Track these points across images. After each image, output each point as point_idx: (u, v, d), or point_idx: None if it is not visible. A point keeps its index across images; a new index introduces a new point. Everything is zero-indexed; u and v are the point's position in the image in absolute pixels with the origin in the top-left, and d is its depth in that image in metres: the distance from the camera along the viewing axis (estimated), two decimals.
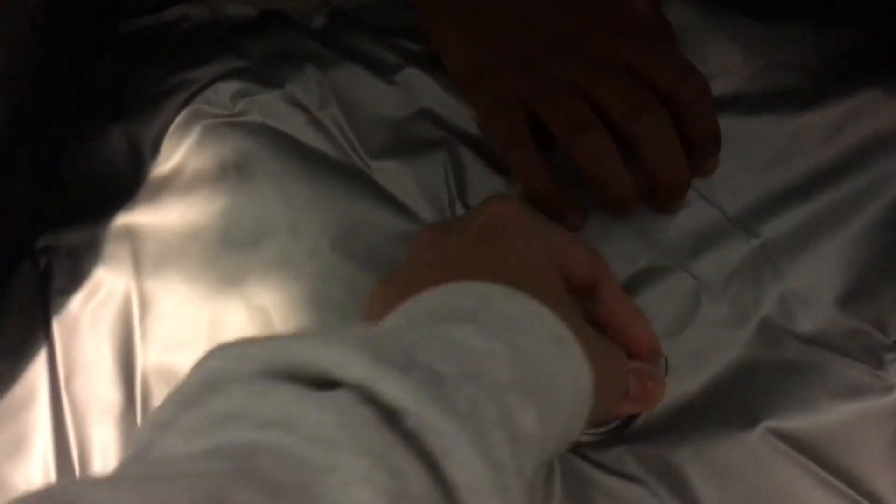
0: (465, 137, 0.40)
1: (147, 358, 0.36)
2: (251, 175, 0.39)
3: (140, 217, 0.39)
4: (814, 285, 0.35)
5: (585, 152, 0.35)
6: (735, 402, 0.34)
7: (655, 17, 0.39)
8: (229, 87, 0.40)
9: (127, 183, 0.39)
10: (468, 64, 0.39)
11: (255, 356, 0.22)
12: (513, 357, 0.24)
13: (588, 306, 0.33)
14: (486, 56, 0.38)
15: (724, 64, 0.39)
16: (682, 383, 0.34)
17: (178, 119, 0.40)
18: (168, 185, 0.39)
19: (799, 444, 0.32)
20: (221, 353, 0.22)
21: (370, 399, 0.20)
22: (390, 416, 0.20)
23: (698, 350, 0.35)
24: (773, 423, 0.33)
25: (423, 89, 0.40)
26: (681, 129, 0.35)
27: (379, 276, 0.36)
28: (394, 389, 0.20)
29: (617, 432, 0.34)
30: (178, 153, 0.39)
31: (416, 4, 0.40)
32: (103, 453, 0.35)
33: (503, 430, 0.22)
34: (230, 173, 0.39)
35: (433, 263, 0.31)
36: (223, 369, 0.22)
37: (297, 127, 0.40)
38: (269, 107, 0.40)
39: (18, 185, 0.36)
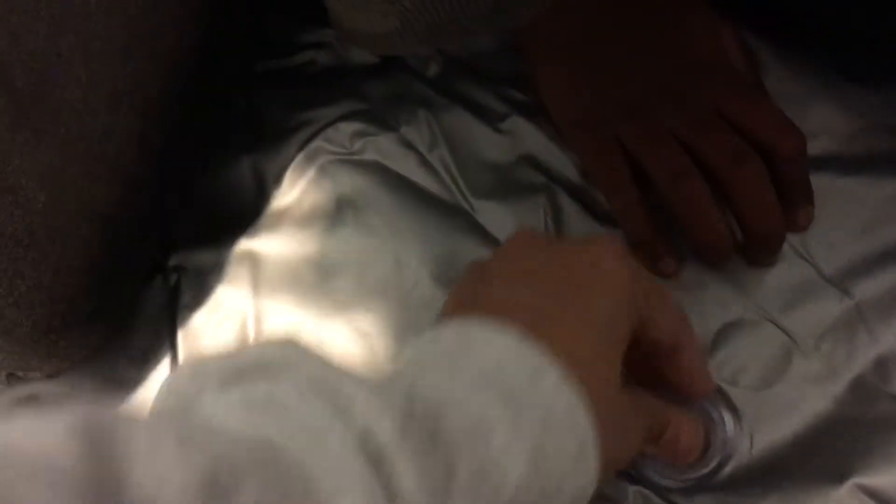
0: (565, 184, 0.41)
1: None
2: (364, 209, 0.42)
3: (261, 243, 0.42)
4: None
5: (683, 199, 0.36)
6: (824, 457, 0.34)
7: (753, 76, 0.40)
8: (349, 127, 0.43)
9: (251, 211, 0.42)
10: (572, 110, 0.41)
11: (306, 369, 0.23)
12: (531, 462, 0.24)
13: (660, 365, 0.32)
14: (589, 103, 0.40)
15: (825, 124, 0.40)
16: (771, 436, 0.35)
17: (300, 155, 0.43)
18: (287, 215, 0.42)
19: (888, 502, 0.32)
20: (282, 344, 0.24)
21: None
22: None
23: (788, 404, 0.35)
24: (861, 479, 0.33)
25: (527, 136, 0.43)
26: (775, 183, 0.36)
27: None
28: (402, 478, 0.21)
29: (703, 481, 0.35)
30: (298, 186, 0.43)
31: (524, 56, 0.43)
32: None
33: None
34: (344, 207, 0.42)
35: (513, 280, 0.30)
36: (279, 358, 0.23)
37: (409, 167, 0.43)
38: (384, 147, 0.43)
39: (161, 204, 0.39)
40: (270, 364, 0.23)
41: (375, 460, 0.21)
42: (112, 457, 0.17)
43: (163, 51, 0.36)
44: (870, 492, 0.33)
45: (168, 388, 0.24)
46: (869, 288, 0.37)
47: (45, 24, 0.33)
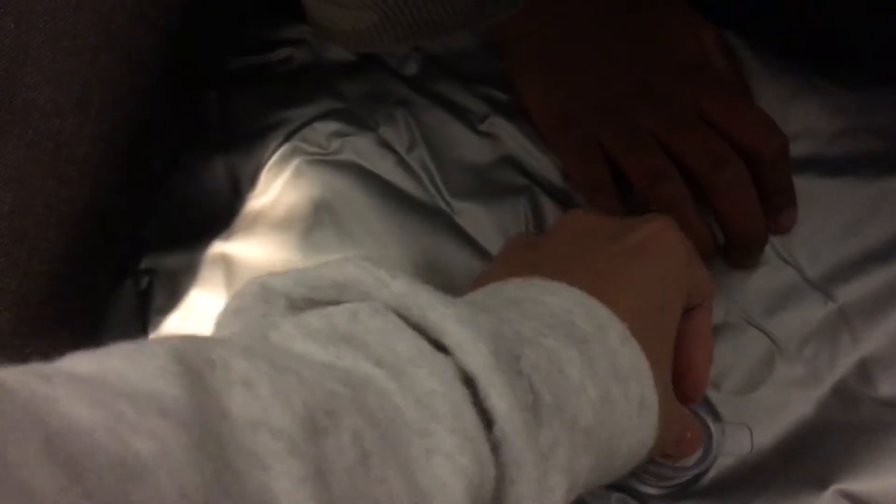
0: (546, 185, 0.41)
1: None
2: (340, 210, 0.41)
3: (235, 246, 0.41)
4: (893, 350, 0.35)
5: (662, 201, 0.36)
6: (807, 462, 0.34)
7: (735, 77, 0.40)
8: (326, 127, 0.42)
9: (225, 212, 0.42)
10: (552, 112, 0.40)
11: (391, 290, 0.22)
12: (600, 407, 0.24)
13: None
14: (570, 104, 0.39)
15: (807, 125, 0.39)
16: (754, 441, 0.34)
17: (276, 154, 0.42)
18: (263, 217, 0.41)
19: None
20: (361, 264, 0.23)
21: (474, 389, 0.21)
22: (484, 414, 0.21)
23: (771, 409, 0.35)
24: (844, 485, 0.33)
25: (508, 137, 0.42)
26: (758, 185, 0.36)
27: None
28: (499, 400, 0.21)
29: (687, 486, 0.34)
30: (274, 187, 0.42)
31: (503, 55, 0.42)
32: None
33: (564, 476, 0.23)
34: (321, 208, 0.41)
35: (571, 253, 0.30)
36: (359, 281, 0.22)
37: (386, 168, 0.42)
38: (362, 147, 0.42)
39: (131, 206, 0.38)
40: (348, 285, 0.23)
41: (470, 386, 0.21)
42: (213, 388, 0.17)
43: (133, 49, 0.35)
44: (853, 497, 0.32)
45: (236, 308, 0.23)
46: (852, 291, 0.37)
47: (11, 21, 0.32)
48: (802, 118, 0.40)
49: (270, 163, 0.42)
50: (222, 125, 0.43)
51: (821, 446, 0.34)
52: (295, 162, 0.42)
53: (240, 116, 0.43)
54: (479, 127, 0.43)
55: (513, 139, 0.42)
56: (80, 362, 0.17)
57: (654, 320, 0.28)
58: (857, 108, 0.40)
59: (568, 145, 0.40)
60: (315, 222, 0.41)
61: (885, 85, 0.40)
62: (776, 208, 0.37)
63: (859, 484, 0.32)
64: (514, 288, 0.27)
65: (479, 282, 0.31)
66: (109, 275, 0.40)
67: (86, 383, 0.16)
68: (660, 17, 0.40)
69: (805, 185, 0.38)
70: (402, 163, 0.42)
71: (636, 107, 0.38)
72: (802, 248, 0.38)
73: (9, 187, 0.32)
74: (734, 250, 0.37)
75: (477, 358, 0.21)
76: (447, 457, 0.20)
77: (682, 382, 0.32)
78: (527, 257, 0.31)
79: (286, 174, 0.42)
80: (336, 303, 0.23)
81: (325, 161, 0.42)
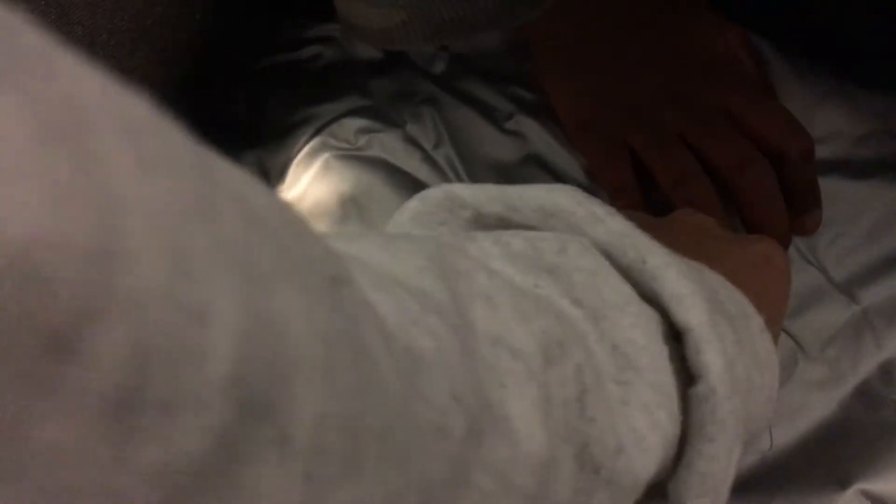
0: (571, 183, 0.41)
1: None
2: (367, 204, 0.42)
3: None
4: None
5: (690, 202, 0.36)
6: (828, 461, 0.34)
7: (761, 78, 0.40)
8: (354, 123, 0.43)
9: None
10: (579, 112, 0.40)
11: (607, 227, 0.21)
12: (747, 387, 0.24)
13: None
14: (596, 104, 0.40)
15: (832, 128, 0.40)
16: (776, 440, 0.35)
17: (304, 150, 0.43)
18: None
19: None
20: (575, 196, 0.22)
21: (679, 341, 0.21)
22: (689, 371, 0.21)
23: (793, 408, 0.35)
24: (865, 484, 0.33)
25: (533, 136, 0.42)
26: (783, 186, 0.36)
27: None
28: (715, 357, 0.21)
29: None
30: (302, 181, 0.42)
31: (531, 55, 0.43)
32: None
33: (741, 446, 0.23)
34: (348, 203, 0.42)
35: (699, 250, 0.28)
36: (570, 212, 0.22)
37: (413, 164, 0.42)
38: (389, 144, 0.43)
39: None
40: (556, 213, 0.22)
41: (673, 341, 0.21)
42: (462, 295, 0.17)
43: (169, 44, 0.36)
44: (874, 497, 0.33)
45: (415, 212, 0.22)
46: (876, 294, 0.37)
47: (53, 15, 0.33)
48: (828, 121, 0.40)
49: (299, 157, 0.43)
50: (252, 120, 0.44)
51: (842, 446, 0.34)
52: (323, 157, 0.42)
53: (269, 112, 0.44)
54: (505, 125, 0.43)
55: (538, 138, 0.42)
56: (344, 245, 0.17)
57: (772, 332, 0.28)
58: (883, 112, 0.40)
59: (594, 145, 0.40)
60: (342, 216, 0.41)
61: None
62: (801, 209, 0.37)
63: (881, 484, 0.33)
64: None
65: None
66: None
67: (367, 269, 0.16)
68: (686, 18, 0.40)
69: (830, 188, 0.38)
70: (429, 159, 0.42)
71: (663, 107, 0.38)
72: (827, 251, 0.38)
73: None
74: None
75: (696, 314, 0.21)
76: (645, 409, 0.19)
77: None
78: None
79: (314, 169, 0.42)
80: (534, 229, 0.22)
81: (352, 156, 0.43)
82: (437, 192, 0.23)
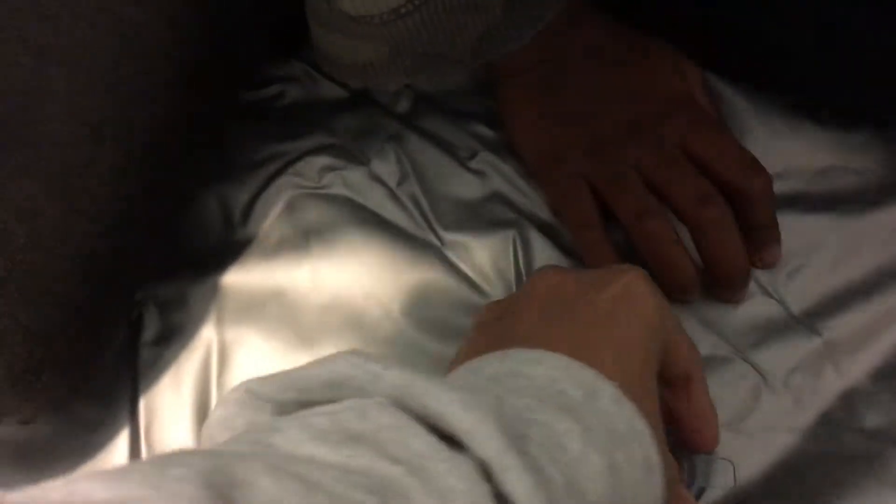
0: (535, 220, 0.42)
1: None
2: (332, 243, 0.41)
3: (226, 277, 0.41)
4: (877, 383, 0.36)
5: (648, 238, 0.36)
6: (794, 492, 0.34)
7: (718, 116, 0.41)
8: (318, 161, 0.43)
9: (217, 244, 0.42)
10: (541, 149, 0.41)
11: (388, 382, 0.21)
12: (607, 475, 0.23)
13: (667, 396, 0.32)
14: (558, 141, 0.40)
15: (789, 164, 0.41)
16: (741, 472, 0.35)
17: (269, 188, 0.42)
18: (254, 249, 0.42)
19: None
20: (352, 360, 0.22)
21: (489, 477, 0.21)
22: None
23: (758, 440, 0.36)
24: None
25: (497, 174, 0.43)
26: (742, 222, 0.36)
27: (444, 343, 0.38)
28: (517, 484, 0.20)
29: None
30: (266, 219, 0.42)
31: (495, 93, 0.43)
32: None
33: None
34: (312, 240, 0.41)
35: (544, 314, 0.29)
36: (351, 377, 0.22)
37: (377, 201, 0.42)
38: (353, 181, 0.43)
39: (138, 239, 0.37)
40: (341, 383, 0.22)
41: (485, 476, 0.20)
42: None
43: (149, 83, 0.35)
44: None
45: (221, 418, 0.22)
46: (836, 325, 0.37)
47: (31, 56, 0.33)
48: (785, 157, 0.41)
49: (263, 196, 0.42)
50: (216, 158, 0.43)
51: (806, 476, 0.34)
52: (287, 195, 0.42)
53: (233, 149, 0.44)
54: (468, 163, 0.43)
55: (502, 175, 0.43)
56: (96, 488, 0.16)
57: (639, 376, 0.28)
58: (837, 148, 0.41)
59: (556, 182, 0.40)
60: (306, 253, 0.41)
61: (862, 126, 0.41)
62: (760, 245, 0.38)
63: None
64: (493, 363, 0.26)
65: (455, 363, 0.31)
66: (119, 309, 0.39)
67: None
68: (645, 56, 0.41)
69: (789, 223, 0.38)
70: (393, 196, 0.43)
71: (623, 144, 0.38)
72: (787, 284, 0.38)
73: (22, 220, 0.32)
74: (718, 287, 0.38)
75: (489, 443, 0.20)
76: None
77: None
78: (497, 329, 0.30)
79: (279, 206, 0.42)
80: (331, 401, 0.22)
81: (316, 194, 0.43)
82: (236, 394, 0.23)
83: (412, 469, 0.20)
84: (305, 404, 0.22)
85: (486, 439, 0.20)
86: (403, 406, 0.21)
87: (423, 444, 0.20)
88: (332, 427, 0.20)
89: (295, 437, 0.20)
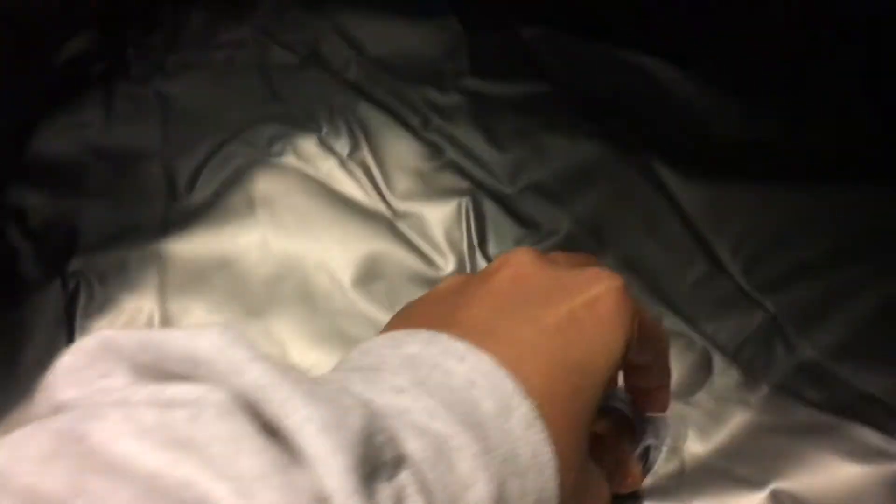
0: (488, 189, 0.41)
1: None
2: (280, 213, 0.40)
3: (169, 245, 0.40)
4: (826, 356, 0.36)
5: None
6: (744, 463, 0.34)
7: None
8: (267, 129, 0.42)
9: (160, 212, 0.40)
10: None
11: (249, 379, 0.19)
12: (493, 499, 0.22)
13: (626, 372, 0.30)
14: None
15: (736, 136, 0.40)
16: (692, 444, 0.35)
17: (216, 155, 0.41)
18: (199, 217, 0.40)
19: None
20: (219, 342, 0.19)
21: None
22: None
23: (709, 412, 0.35)
24: (781, 484, 0.33)
25: (449, 143, 0.42)
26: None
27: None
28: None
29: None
30: (212, 187, 0.41)
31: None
32: None
33: None
34: (260, 209, 0.40)
35: (499, 306, 0.27)
36: (212, 361, 0.19)
37: (327, 170, 0.41)
38: (303, 150, 0.42)
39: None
40: (199, 363, 0.19)
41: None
42: None
43: None
44: (790, 496, 0.33)
45: (70, 367, 0.20)
46: (787, 300, 0.37)
47: None
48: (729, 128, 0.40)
49: (211, 163, 0.41)
50: (161, 124, 0.42)
51: (758, 448, 0.34)
52: (236, 163, 0.41)
53: (179, 115, 0.42)
54: (421, 132, 0.42)
55: (455, 144, 0.42)
56: None
57: (567, 404, 0.25)
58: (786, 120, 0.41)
59: None
60: (254, 222, 0.40)
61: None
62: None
63: (795, 483, 0.33)
64: (419, 341, 0.24)
65: (394, 318, 0.29)
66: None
67: None
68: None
69: (740, 195, 0.38)
70: (344, 165, 0.42)
71: None
72: (739, 258, 0.38)
73: None
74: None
75: (335, 477, 0.18)
76: None
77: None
78: (445, 306, 0.27)
79: (225, 174, 0.41)
80: (186, 379, 0.20)
81: (266, 163, 0.41)
82: (90, 342, 0.20)
83: (238, 490, 0.17)
84: (163, 373, 0.20)
85: (332, 471, 0.18)
86: (255, 411, 0.19)
87: (257, 462, 0.18)
88: (159, 425, 0.18)
89: (115, 431, 0.18)
